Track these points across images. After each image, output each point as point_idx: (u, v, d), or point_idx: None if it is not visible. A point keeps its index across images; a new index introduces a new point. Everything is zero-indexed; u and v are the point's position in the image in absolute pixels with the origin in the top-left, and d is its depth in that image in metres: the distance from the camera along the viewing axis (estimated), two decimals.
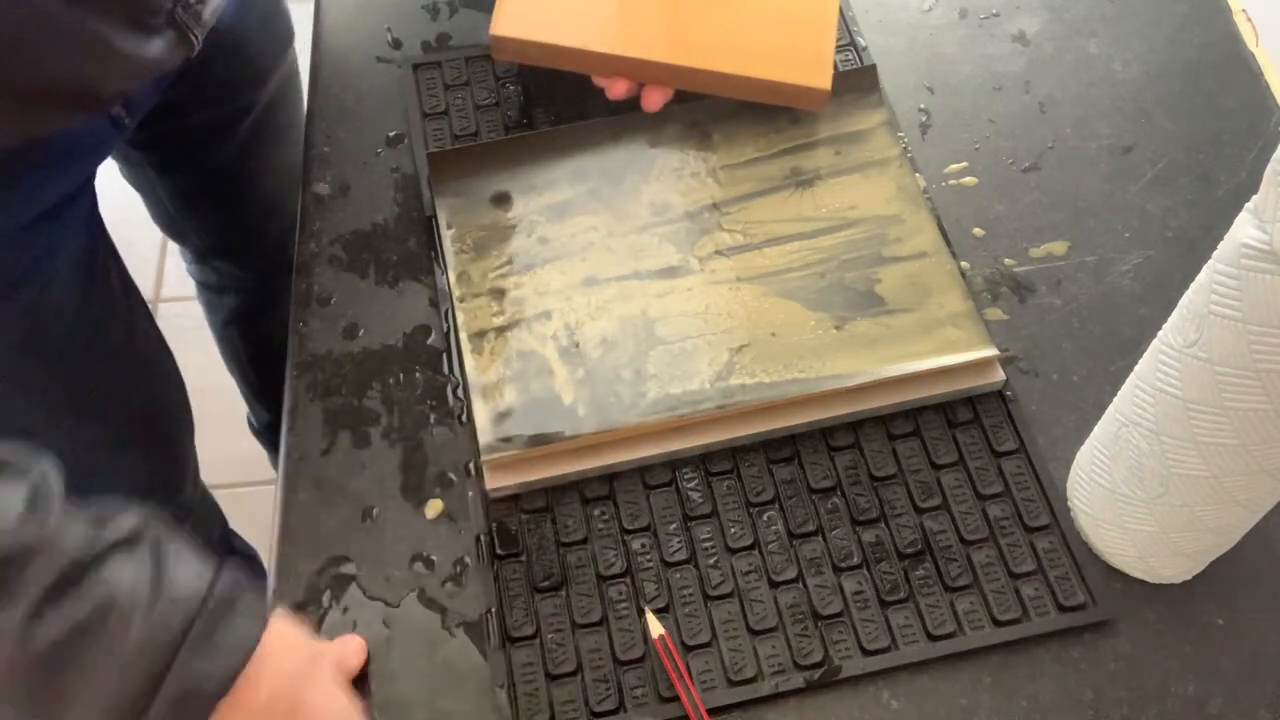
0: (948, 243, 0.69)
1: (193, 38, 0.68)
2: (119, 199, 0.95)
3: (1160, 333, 0.53)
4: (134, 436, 0.87)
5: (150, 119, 0.78)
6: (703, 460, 0.64)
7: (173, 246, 1.12)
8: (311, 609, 0.60)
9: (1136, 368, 0.55)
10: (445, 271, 0.69)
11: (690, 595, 0.60)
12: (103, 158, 0.75)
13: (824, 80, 0.71)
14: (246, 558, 1.24)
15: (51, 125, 0.65)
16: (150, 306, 0.84)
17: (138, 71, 0.66)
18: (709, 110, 0.75)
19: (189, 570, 0.49)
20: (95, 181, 0.75)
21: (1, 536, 0.43)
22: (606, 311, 0.67)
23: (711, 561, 0.61)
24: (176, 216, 0.98)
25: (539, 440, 0.63)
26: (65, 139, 0.67)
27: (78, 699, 0.45)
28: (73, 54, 0.61)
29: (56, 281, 0.71)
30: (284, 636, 0.52)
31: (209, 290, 1.12)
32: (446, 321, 0.68)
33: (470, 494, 0.63)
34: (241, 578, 0.51)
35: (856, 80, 0.75)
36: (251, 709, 0.49)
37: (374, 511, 0.63)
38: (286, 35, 0.92)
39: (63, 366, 0.74)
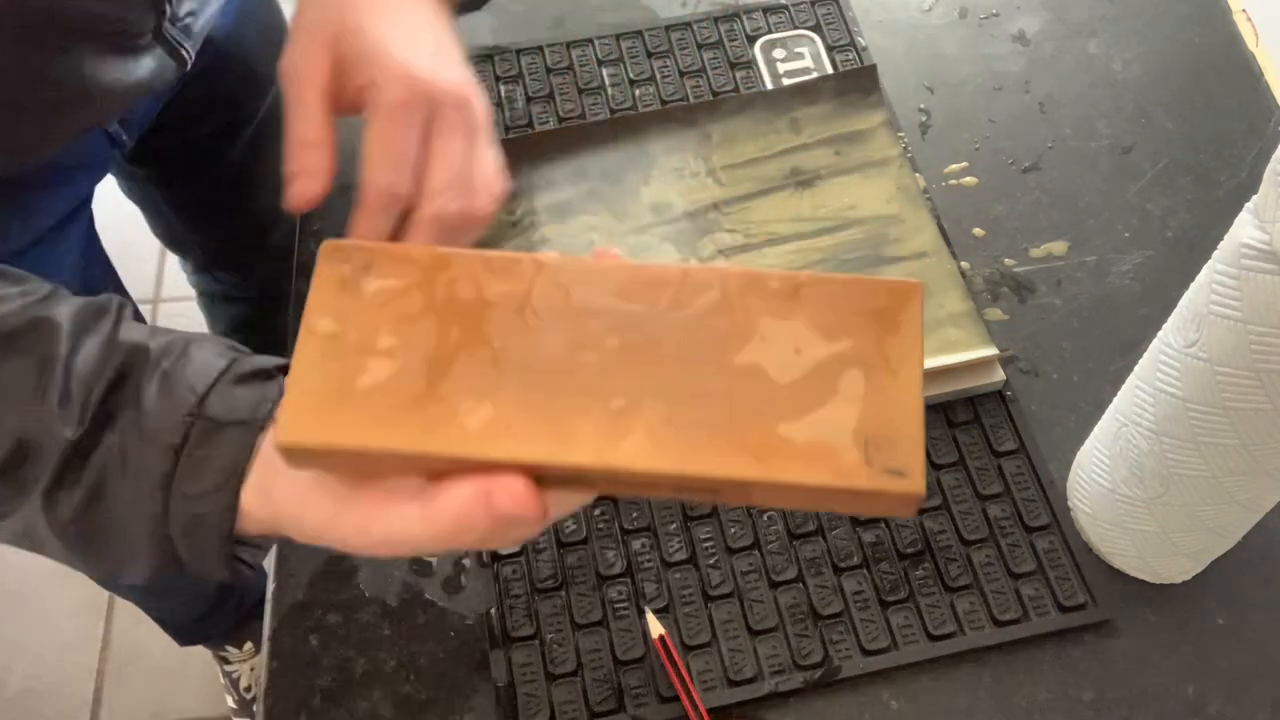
0: (948, 243, 0.69)
1: (184, 53, 0.66)
2: (118, 201, 0.95)
3: (1160, 333, 0.53)
4: None
5: (150, 134, 0.77)
6: None
7: None
8: (311, 610, 0.60)
9: (1136, 368, 0.55)
10: None
11: (690, 595, 0.60)
12: (102, 174, 0.75)
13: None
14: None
15: (43, 154, 0.63)
16: (150, 308, 0.84)
17: (127, 96, 0.64)
18: (709, 110, 0.75)
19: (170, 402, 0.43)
20: (92, 198, 0.74)
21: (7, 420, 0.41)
22: None
23: (711, 561, 0.61)
24: (179, 229, 0.97)
25: None
26: (63, 160, 0.67)
27: (113, 547, 0.43)
28: (56, 89, 0.59)
29: None
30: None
31: (211, 299, 1.12)
32: None
33: None
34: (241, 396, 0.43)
35: (856, 80, 0.75)
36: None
37: None
38: (285, 42, 0.91)
39: None
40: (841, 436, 0.36)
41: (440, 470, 0.37)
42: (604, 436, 0.36)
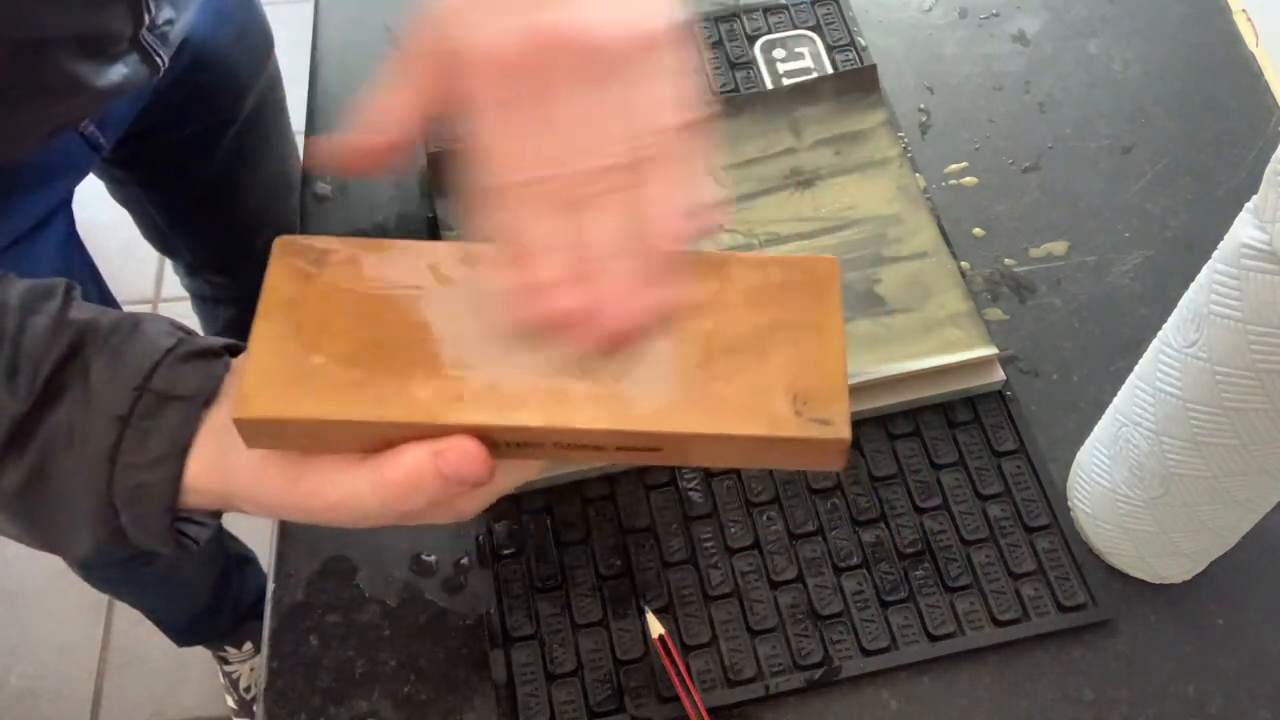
0: (948, 243, 0.69)
1: (158, 59, 0.66)
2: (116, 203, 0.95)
3: (1160, 333, 0.53)
4: None
5: (131, 137, 0.77)
6: None
7: None
8: (311, 610, 0.60)
9: (1136, 368, 0.55)
10: None
11: (690, 595, 0.60)
12: (80, 178, 0.74)
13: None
14: (244, 559, 1.24)
15: (11, 154, 0.63)
16: (150, 308, 0.84)
17: (98, 99, 0.64)
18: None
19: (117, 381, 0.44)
20: (72, 200, 0.74)
21: None
22: None
23: (711, 561, 0.61)
24: (167, 232, 0.97)
25: None
26: (39, 163, 0.66)
27: (57, 519, 0.44)
28: (26, 93, 0.59)
29: None
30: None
31: (203, 302, 1.12)
32: None
33: None
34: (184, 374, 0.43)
35: (856, 80, 0.75)
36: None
37: None
38: (265, 46, 0.90)
39: None
40: (772, 393, 0.40)
41: (393, 440, 0.40)
42: (550, 400, 0.39)
